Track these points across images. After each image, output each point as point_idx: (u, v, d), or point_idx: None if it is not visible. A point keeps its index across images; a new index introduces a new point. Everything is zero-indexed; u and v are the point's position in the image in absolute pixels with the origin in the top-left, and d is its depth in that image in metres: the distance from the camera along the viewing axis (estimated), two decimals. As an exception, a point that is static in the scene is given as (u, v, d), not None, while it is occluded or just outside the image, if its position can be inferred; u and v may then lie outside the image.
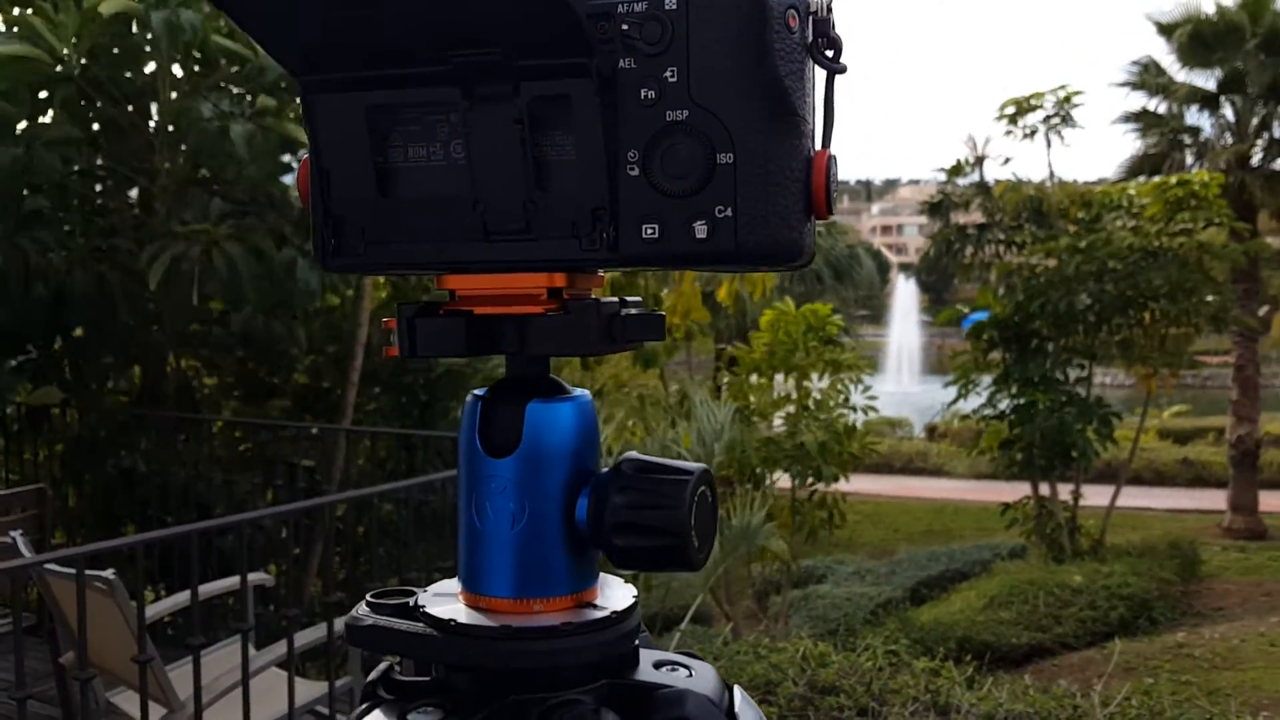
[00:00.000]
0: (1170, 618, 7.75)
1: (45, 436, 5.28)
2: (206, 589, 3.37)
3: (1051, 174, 9.67)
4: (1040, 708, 3.70)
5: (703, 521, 0.36)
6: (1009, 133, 9.40)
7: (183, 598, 3.36)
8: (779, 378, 8.29)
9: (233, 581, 3.60)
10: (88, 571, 2.83)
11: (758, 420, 8.08)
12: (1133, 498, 10.47)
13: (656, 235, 0.34)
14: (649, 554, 0.36)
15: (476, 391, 0.37)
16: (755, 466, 7.47)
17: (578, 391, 0.38)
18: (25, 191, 4.39)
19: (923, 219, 12.04)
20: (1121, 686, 3.80)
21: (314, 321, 5.59)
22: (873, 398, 8.53)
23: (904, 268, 41.21)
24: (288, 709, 2.80)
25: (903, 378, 23.95)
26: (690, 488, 0.36)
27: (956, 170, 9.87)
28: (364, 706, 0.35)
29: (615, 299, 0.39)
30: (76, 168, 4.70)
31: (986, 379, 8.98)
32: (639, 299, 0.40)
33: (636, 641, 0.38)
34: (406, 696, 0.35)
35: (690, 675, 0.39)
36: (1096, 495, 9.16)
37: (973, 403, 9.23)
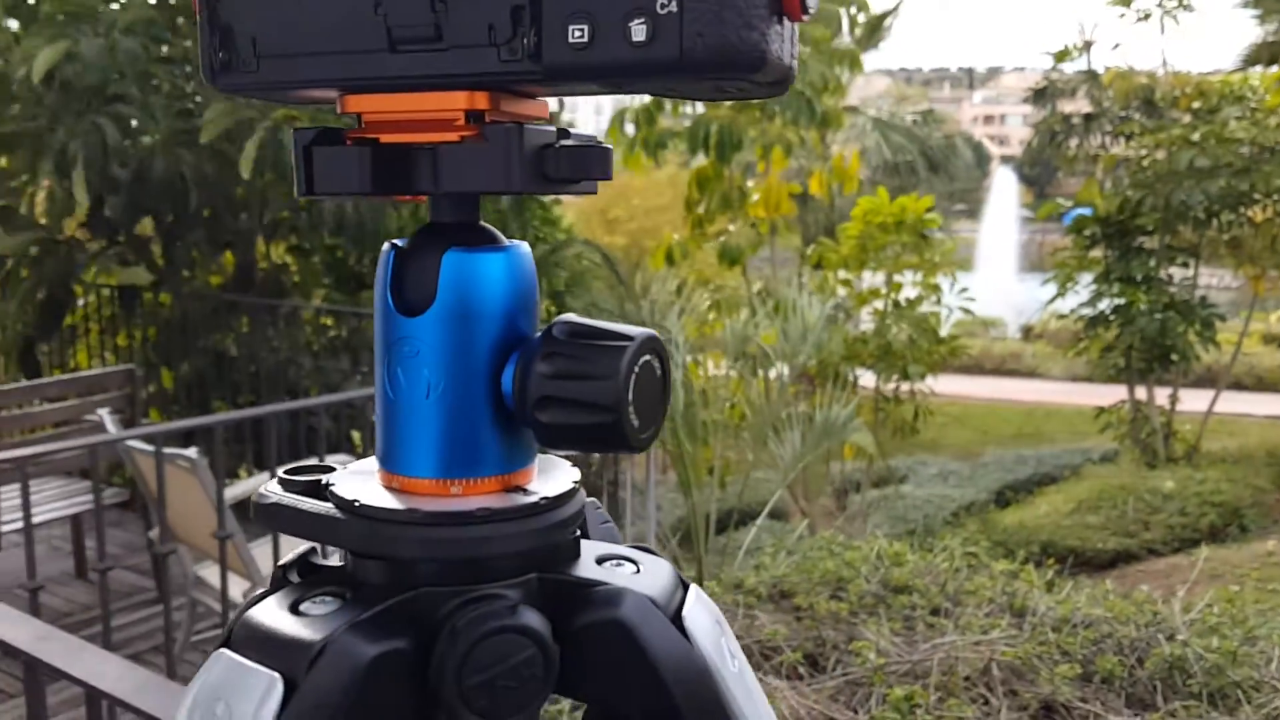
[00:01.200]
0: (1262, 526, 7.53)
1: (138, 320, 5.42)
2: (249, 485, 3.45)
3: (1164, 62, 9.15)
4: (1119, 612, 3.62)
5: (646, 397, 0.31)
6: (1121, 16, 8.88)
7: (265, 477, 3.45)
8: (868, 273, 8.12)
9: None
10: (171, 450, 2.91)
11: (844, 317, 7.94)
12: (1232, 403, 10.11)
13: (585, 39, 0.28)
14: (578, 432, 0.31)
15: (396, 241, 0.32)
16: (838, 364, 7.37)
17: (512, 242, 0.33)
18: (111, 78, 4.42)
19: (1026, 108, 11.53)
20: (1205, 593, 3.69)
21: (402, 209, 5.60)
22: (969, 299, 8.31)
23: (1005, 160, 39.80)
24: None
25: (999, 275, 23.28)
26: (629, 356, 0.30)
27: (1063, 56, 9.39)
28: (260, 593, 0.31)
29: (553, 128, 0.32)
30: (162, 49, 4.72)
31: (1086, 277, 8.66)
32: (588, 133, 0.34)
33: (577, 533, 0.34)
34: (311, 584, 0.31)
35: (636, 572, 0.34)
36: (1194, 400, 8.86)
37: (1070, 302, 8.93)
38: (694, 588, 0.35)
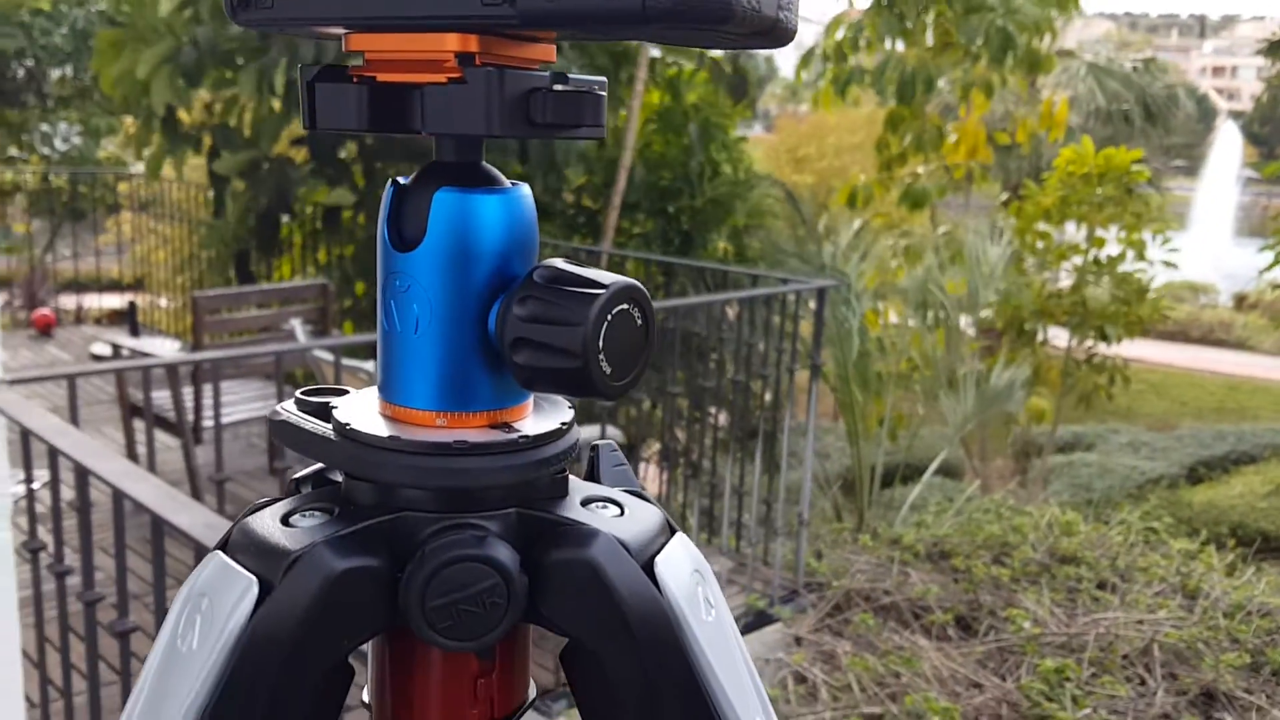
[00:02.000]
0: None
1: (338, 238, 5.70)
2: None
3: None
4: (1305, 606, 3.40)
5: (620, 345, 0.31)
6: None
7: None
8: (1070, 227, 7.73)
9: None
10: (352, 362, 3.08)
11: (1039, 272, 7.61)
12: None
13: (557, -17, 0.28)
14: (549, 375, 0.31)
15: (399, 178, 0.33)
16: (1026, 320, 7.08)
17: (512, 184, 0.33)
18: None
19: (1261, 61, 10.64)
20: None
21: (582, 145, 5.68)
22: (1177, 260, 7.81)
23: (1234, 115, 36.88)
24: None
25: (1214, 238, 21.69)
26: (600, 303, 0.31)
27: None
28: (267, 499, 0.33)
29: (547, 73, 0.32)
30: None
31: (1311, 246, 8.00)
32: (595, 78, 0.33)
33: (565, 472, 0.35)
34: (309, 498, 0.33)
35: (619, 515, 0.34)
36: None
37: (1291, 272, 8.26)
38: (679, 536, 0.35)
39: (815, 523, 5.37)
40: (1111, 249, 7.48)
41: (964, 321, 7.27)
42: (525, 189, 0.34)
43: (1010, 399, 5.72)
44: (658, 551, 0.33)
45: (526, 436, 0.32)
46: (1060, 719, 2.56)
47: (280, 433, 0.33)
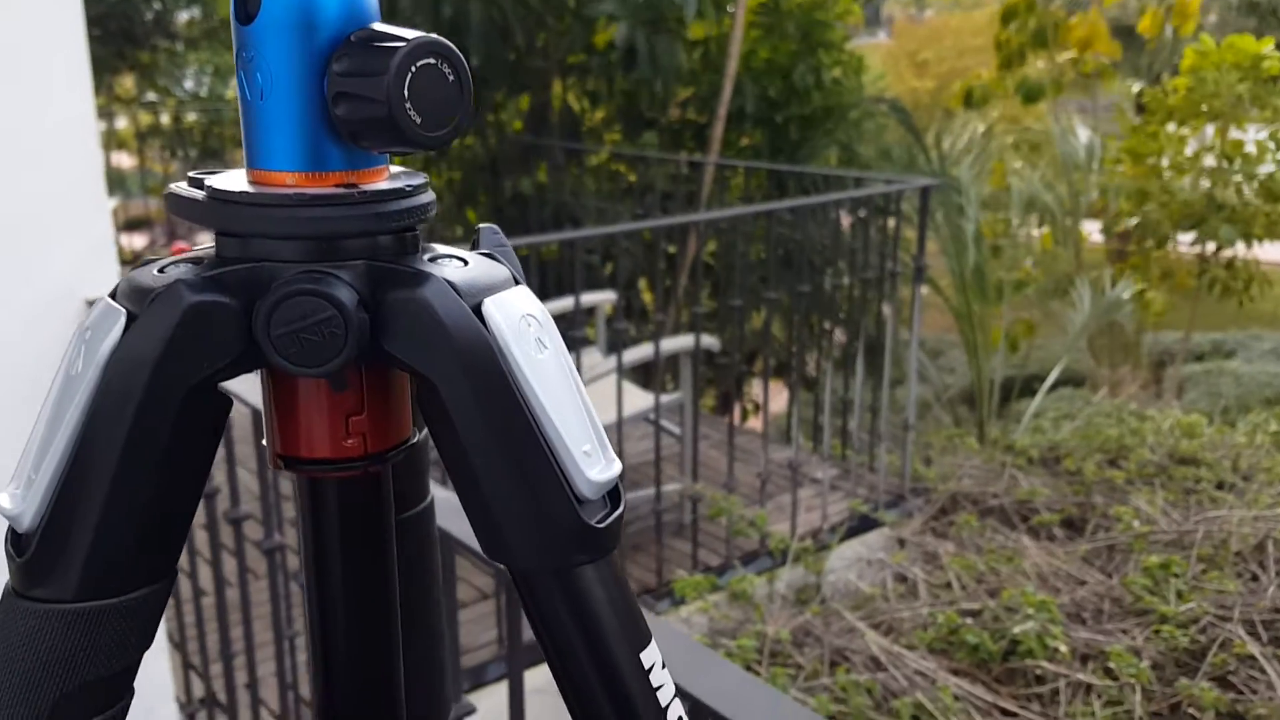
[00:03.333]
0: None
1: (446, 162, 5.81)
2: (554, 305, 3.65)
3: None
4: None
5: (430, 97, 0.34)
6: None
7: (556, 304, 3.67)
8: (1209, 129, 7.33)
9: (595, 297, 3.88)
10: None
11: (1170, 172, 7.25)
12: None
13: None
14: (364, 126, 0.34)
15: None
16: (1157, 224, 6.78)
17: None
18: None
19: None
20: None
21: (692, 51, 5.63)
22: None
23: None
24: (617, 416, 3.03)
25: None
26: (402, 55, 0.34)
27: None
28: (151, 258, 0.38)
29: None
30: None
31: None
32: None
33: (416, 232, 0.38)
34: (190, 257, 0.37)
35: (464, 265, 0.38)
36: None
37: None
38: (521, 288, 0.39)
39: (927, 433, 5.32)
40: (1249, 148, 7.07)
41: (1093, 228, 7.00)
42: None
43: (1124, 307, 5.52)
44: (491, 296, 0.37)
45: (365, 191, 0.36)
46: (1163, 612, 2.52)
47: (169, 203, 0.37)
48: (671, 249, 5.54)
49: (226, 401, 0.37)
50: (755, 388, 5.98)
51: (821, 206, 3.80)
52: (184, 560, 2.47)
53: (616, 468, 0.39)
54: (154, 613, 0.37)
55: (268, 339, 0.35)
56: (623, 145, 5.82)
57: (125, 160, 10.15)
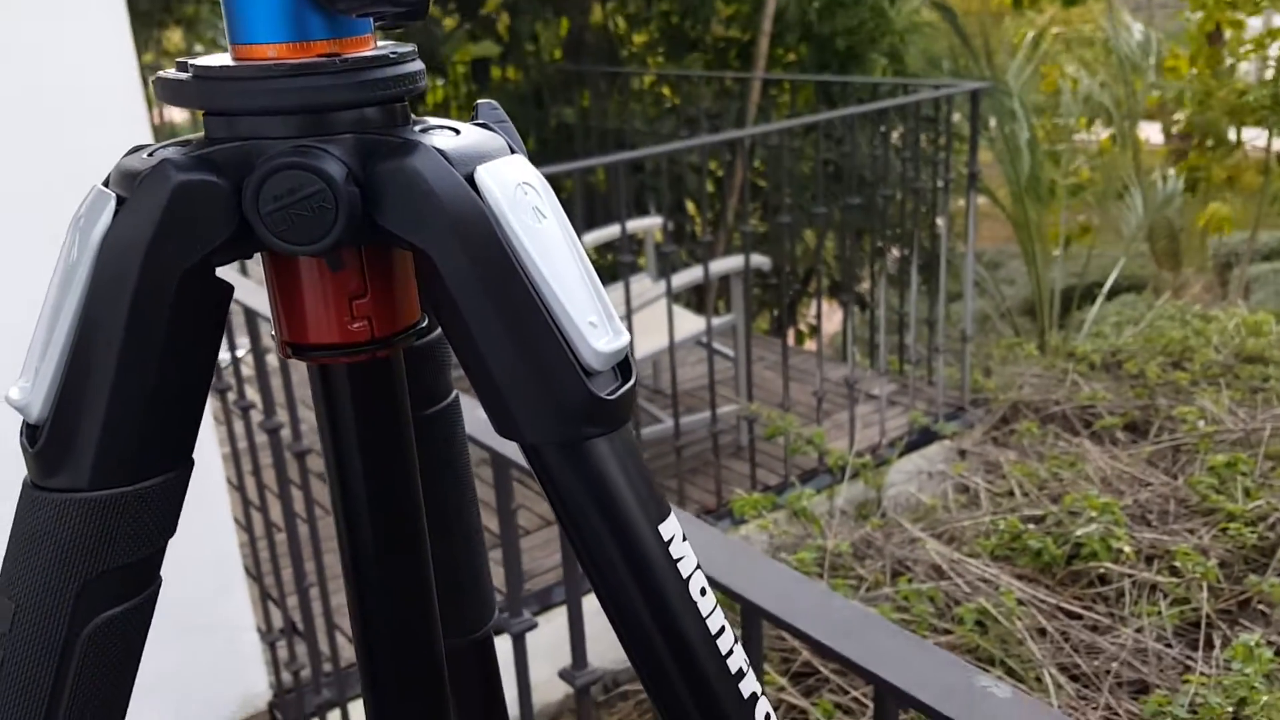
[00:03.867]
0: None
1: (489, 94, 5.78)
2: (594, 236, 3.64)
3: None
4: None
5: None
6: None
7: (604, 232, 3.66)
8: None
9: (642, 223, 3.85)
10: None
11: (1228, 67, 6.99)
12: None
13: None
14: None
15: None
16: (1217, 121, 6.55)
17: None
18: None
19: None
20: None
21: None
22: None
23: None
24: (669, 340, 3.03)
25: None
26: None
27: None
28: (146, 143, 0.37)
29: None
30: None
31: None
32: None
33: (405, 104, 0.37)
34: (181, 141, 0.37)
35: (456, 135, 0.37)
36: None
37: None
38: (516, 157, 0.38)
39: (987, 346, 5.25)
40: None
41: (1153, 129, 6.80)
42: None
43: (1176, 200, 5.36)
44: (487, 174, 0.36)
45: (349, 60, 0.35)
46: (1230, 510, 2.48)
47: (157, 89, 0.37)
48: (719, 171, 5.48)
49: (226, 289, 0.37)
50: (809, 310, 5.94)
51: (870, 116, 3.72)
52: (254, 495, 2.53)
53: (624, 339, 0.38)
54: (171, 502, 0.38)
55: (258, 217, 0.34)
56: (666, 67, 5.74)
57: (177, 115, 10.24)
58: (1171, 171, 5.94)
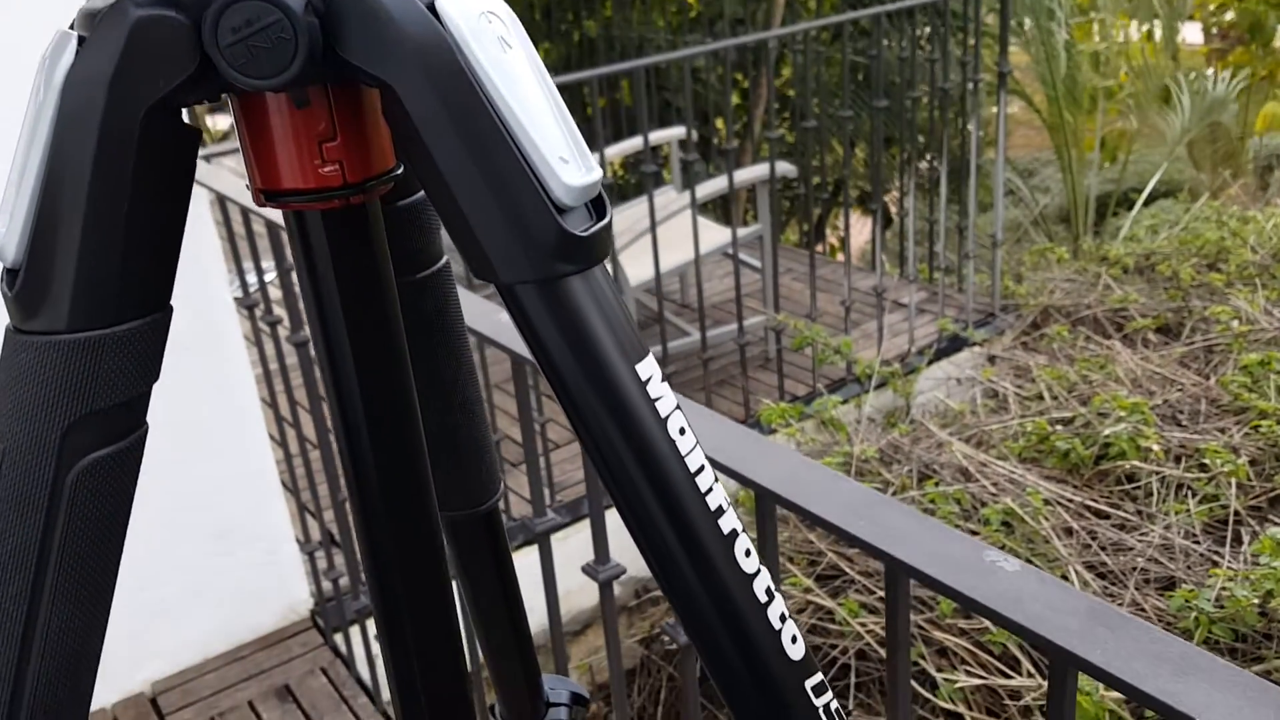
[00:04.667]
0: None
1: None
2: (618, 149, 3.60)
3: None
4: None
5: None
6: None
7: (628, 144, 3.63)
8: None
9: (666, 134, 3.81)
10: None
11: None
12: None
13: None
14: None
15: None
16: (1262, 16, 6.36)
17: None
18: None
19: None
20: None
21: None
22: None
23: None
24: (694, 252, 3.01)
25: None
26: None
27: None
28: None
29: None
30: None
31: None
32: None
33: None
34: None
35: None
36: None
37: None
38: None
39: (1019, 252, 5.18)
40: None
41: (1191, 29, 6.59)
42: None
43: (1228, 106, 5.21)
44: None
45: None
46: (1261, 408, 2.46)
47: None
48: (745, 83, 5.39)
49: (194, 134, 0.37)
50: (838, 224, 5.88)
51: (898, 15, 3.64)
52: (287, 412, 2.57)
53: (596, 174, 0.38)
54: (152, 347, 0.38)
55: (218, 52, 0.34)
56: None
57: None
58: (1225, 73, 5.77)
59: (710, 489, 0.40)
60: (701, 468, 0.40)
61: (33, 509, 0.37)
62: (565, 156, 0.37)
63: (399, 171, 0.42)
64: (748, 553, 0.41)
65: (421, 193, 0.50)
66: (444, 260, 0.54)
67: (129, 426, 0.39)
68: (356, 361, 0.44)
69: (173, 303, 0.39)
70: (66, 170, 0.35)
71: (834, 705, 0.43)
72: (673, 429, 0.40)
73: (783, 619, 0.41)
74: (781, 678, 0.41)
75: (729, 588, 0.40)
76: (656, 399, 0.39)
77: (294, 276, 2.20)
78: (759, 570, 0.41)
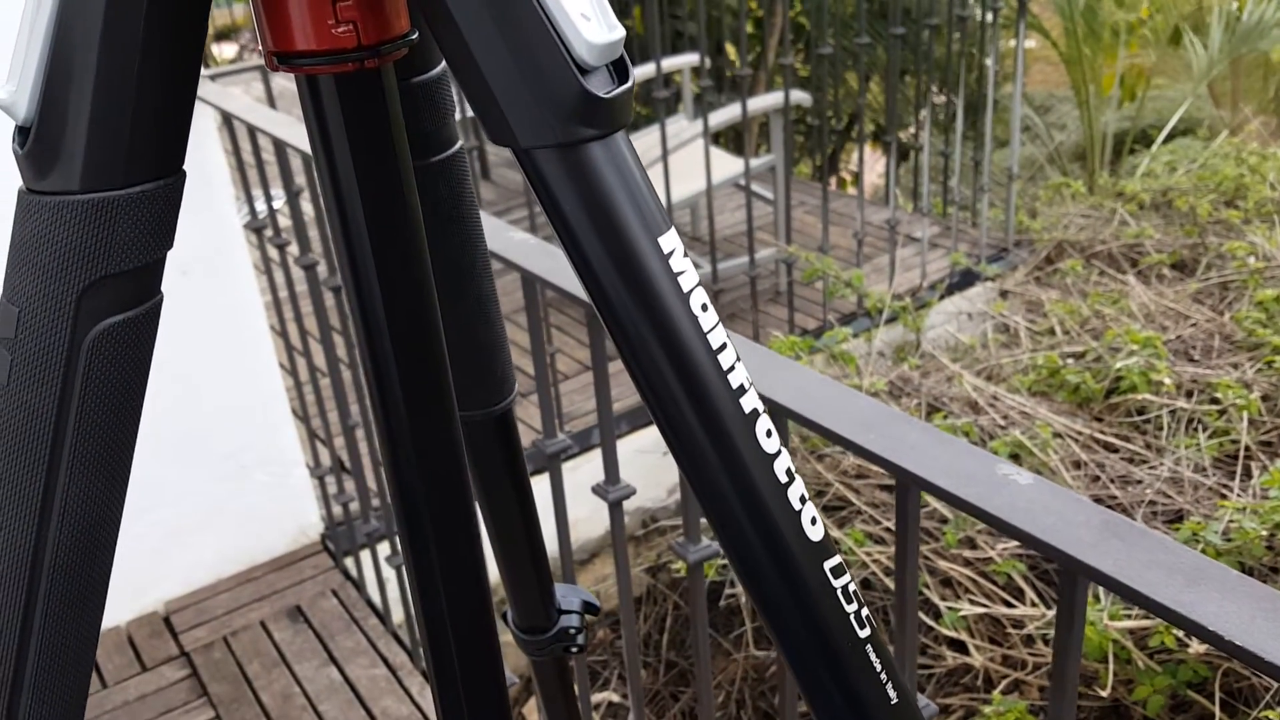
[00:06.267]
0: None
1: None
2: (637, 72, 3.55)
3: None
4: None
5: None
6: None
7: (639, 70, 3.58)
8: None
9: (678, 61, 3.76)
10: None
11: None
12: None
13: None
14: None
15: None
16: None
17: None
18: None
19: None
20: None
21: None
22: None
23: None
24: (706, 182, 2.98)
25: None
26: None
27: None
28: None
29: None
30: None
31: None
32: None
33: None
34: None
35: None
36: None
37: None
38: None
39: (1034, 189, 5.13)
40: None
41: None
42: None
43: (1265, 37, 5.11)
44: None
45: None
46: (1275, 344, 2.44)
47: None
48: (759, 12, 5.30)
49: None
50: (851, 159, 5.81)
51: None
52: (297, 340, 2.57)
53: (619, 32, 0.36)
54: (166, 211, 0.38)
55: None
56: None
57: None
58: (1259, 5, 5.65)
59: (733, 367, 0.40)
60: (724, 345, 0.39)
61: (50, 371, 0.37)
62: (586, 14, 0.36)
63: (414, 37, 0.41)
64: (769, 433, 0.40)
65: (436, 70, 0.49)
66: (459, 144, 0.53)
67: (144, 294, 0.38)
68: (371, 232, 0.43)
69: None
70: (76, 23, 0.34)
71: (852, 587, 0.42)
72: (695, 304, 0.39)
73: (803, 500, 0.41)
74: (801, 558, 0.41)
75: (749, 466, 0.40)
76: (679, 273, 0.39)
77: (304, 207, 2.19)
78: (779, 451, 0.40)
